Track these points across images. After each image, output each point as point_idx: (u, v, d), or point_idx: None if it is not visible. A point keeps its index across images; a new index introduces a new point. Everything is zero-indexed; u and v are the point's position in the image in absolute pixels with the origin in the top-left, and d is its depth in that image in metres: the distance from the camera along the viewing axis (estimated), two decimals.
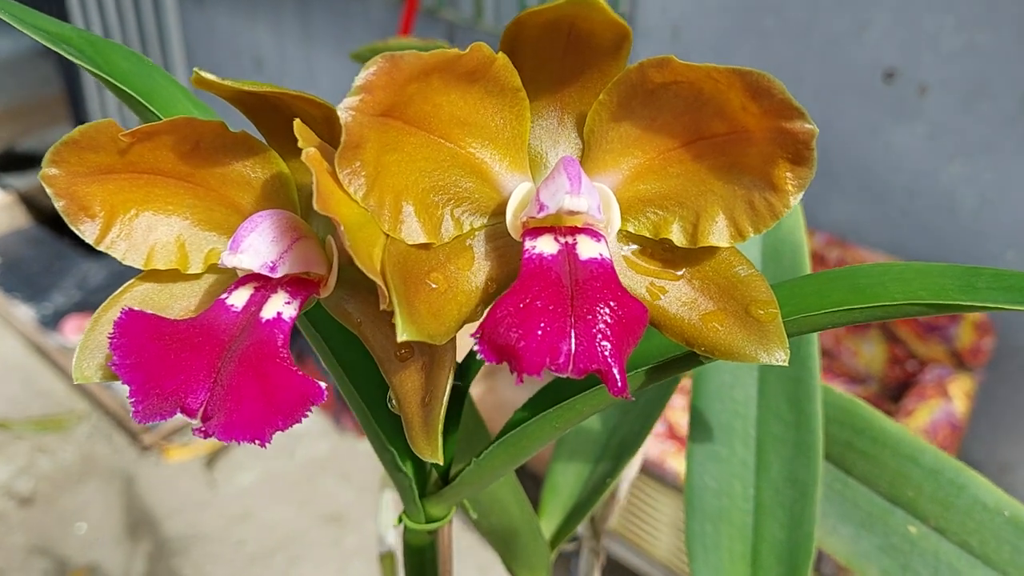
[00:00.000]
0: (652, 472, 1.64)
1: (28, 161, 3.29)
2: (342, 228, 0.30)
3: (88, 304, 2.73)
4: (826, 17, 1.65)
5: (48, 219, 3.16)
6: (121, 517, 2.07)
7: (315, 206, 0.29)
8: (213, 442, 2.23)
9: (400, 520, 0.52)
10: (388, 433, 0.46)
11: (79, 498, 2.11)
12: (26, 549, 1.97)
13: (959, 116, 1.58)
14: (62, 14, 2.90)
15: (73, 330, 2.56)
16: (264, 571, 1.94)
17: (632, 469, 0.59)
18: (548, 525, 0.61)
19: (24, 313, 2.68)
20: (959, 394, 1.55)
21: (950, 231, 1.67)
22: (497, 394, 1.97)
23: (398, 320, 0.31)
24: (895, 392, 1.78)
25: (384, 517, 0.76)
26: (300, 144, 0.31)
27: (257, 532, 2.03)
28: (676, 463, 1.60)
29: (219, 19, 2.82)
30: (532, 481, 0.51)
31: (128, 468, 2.20)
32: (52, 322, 2.63)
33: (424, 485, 0.49)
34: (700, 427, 0.55)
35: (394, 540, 0.74)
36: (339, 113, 0.30)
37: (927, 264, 0.39)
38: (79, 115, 3.10)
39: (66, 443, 2.27)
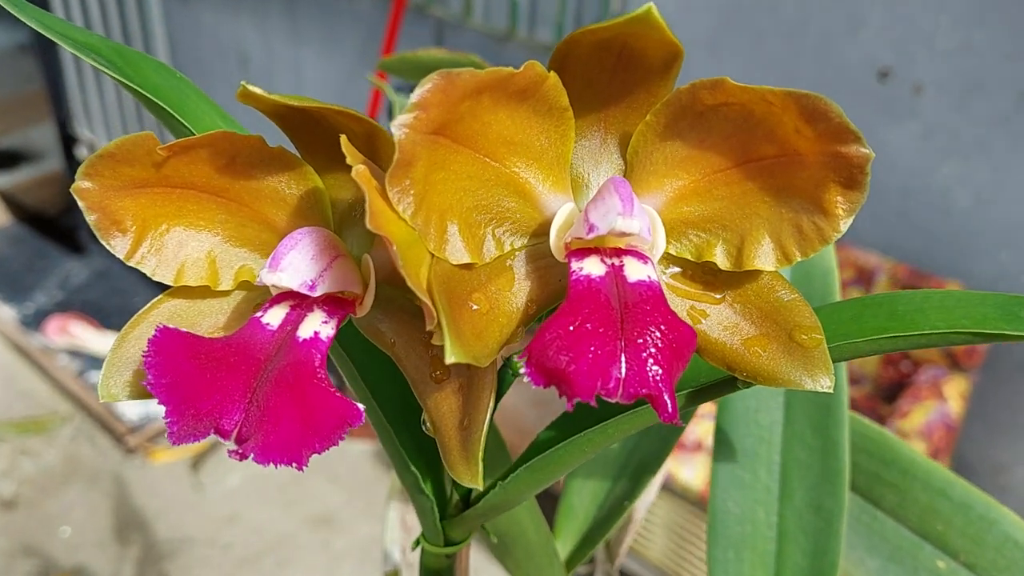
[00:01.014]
0: None
1: (9, 159, 3.25)
2: (395, 248, 0.29)
3: (70, 304, 2.69)
4: (820, 15, 1.66)
5: (29, 218, 3.12)
6: (106, 520, 2.04)
7: (368, 225, 0.29)
8: (199, 444, 2.21)
9: (418, 543, 0.51)
10: (411, 454, 0.45)
11: (63, 501, 2.08)
12: (9, 553, 1.94)
13: (953, 115, 1.58)
14: (42, 6, 2.87)
15: (55, 330, 2.52)
16: (252, 574, 1.92)
17: (651, 492, 0.59)
18: (563, 547, 0.60)
19: (5, 313, 2.64)
20: (954, 395, 1.55)
21: (945, 231, 1.67)
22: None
23: (447, 342, 0.30)
24: (889, 393, 1.78)
25: (390, 534, 0.75)
26: (349, 161, 0.30)
27: (245, 535, 2.01)
28: (670, 465, 1.59)
29: (204, 16, 2.80)
30: (546, 497, 0.50)
31: (113, 470, 2.17)
32: (34, 322, 2.60)
33: (445, 507, 0.48)
34: (724, 451, 0.54)
35: (400, 558, 0.73)
36: (393, 131, 0.29)
37: (967, 292, 0.39)
38: (60, 113, 3.07)
39: (49, 445, 2.24)
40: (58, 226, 2.97)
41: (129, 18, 2.87)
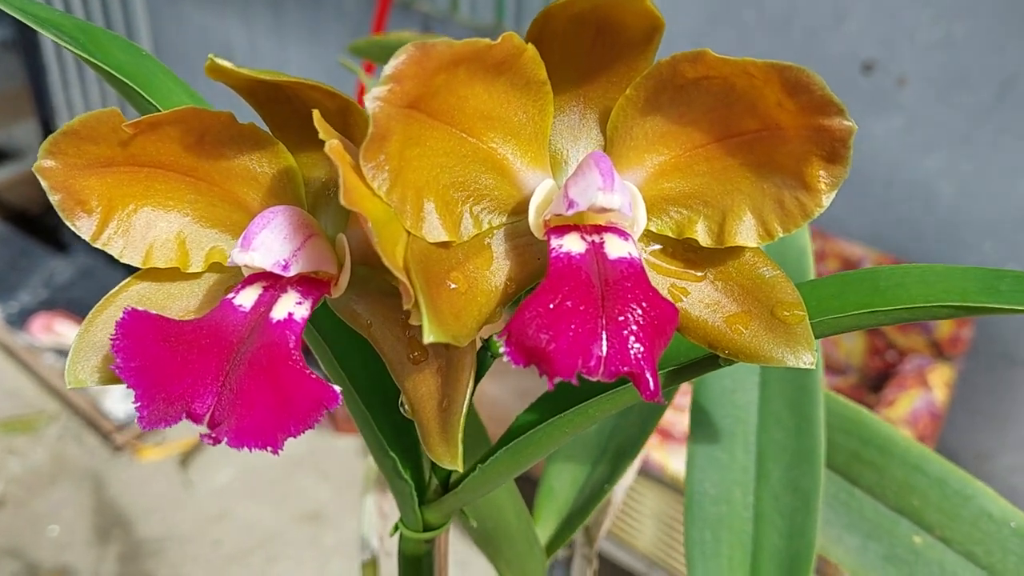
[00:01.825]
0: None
1: None
2: (370, 224, 0.28)
3: (55, 302, 2.66)
4: (805, 9, 1.66)
5: (13, 216, 3.07)
6: (94, 519, 2.02)
7: (342, 201, 0.28)
8: (187, 441, 2.19)
9: (396, 528, 0.50)
10: (389, 439, 0.45)
11: (51, 500, 2.05)
12: None
13: (937, 108, 1.59)
14: None
15: (40, 328, 2.49)
16: (242, 571, 1.90)
17: (629, 476, 0.58)
18: (543, 531, 0.59)
19: None
20: (939, 383, 1.56)
21: (928, 222, 1.68)
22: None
23: (424, 321, 0.30)
24: (875, 382, 1.79)
25: (367, 522, 0.75)
26: (322, 136, 0.29)
27: (234, 532, 1.99)
28: (658, 455, 1.59)
29: (187, 10, 2.76)
30: (525, 482, 0.50)
31: (100, 469, 2.15)
32: (19, 321, 2.56)
33: (423, 492, 0.48)
34: (700, 432, 0.54)
35: (378, 545, 0.72)
36: (367, 103, 0.28)
37: (948, 266, 0.39)
38: (44, 110, 3.02)
39: (36, 444, 2.21)
40: (42, 224, 2.93)
41: (113, 13, 2.83)
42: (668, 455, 1.56)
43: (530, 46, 0.32)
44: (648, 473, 1.63)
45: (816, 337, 0.35)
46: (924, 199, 1.67)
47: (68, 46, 0.36)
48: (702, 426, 0.54)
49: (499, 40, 0.30)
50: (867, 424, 0.53)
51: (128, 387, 0.31)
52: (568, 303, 0.31)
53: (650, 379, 0.31)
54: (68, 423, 2.28)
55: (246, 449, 0.31)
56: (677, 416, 1.63)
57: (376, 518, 0.76)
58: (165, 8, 2.82)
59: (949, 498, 0.52)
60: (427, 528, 0.49)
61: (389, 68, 0.28)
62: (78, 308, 2.62)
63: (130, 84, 0.37)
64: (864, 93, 1.63)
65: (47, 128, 3.02)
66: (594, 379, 0.31)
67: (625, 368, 0.30)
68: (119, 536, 1.98)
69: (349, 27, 2.35)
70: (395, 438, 0.45)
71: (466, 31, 2.10)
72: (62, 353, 2.44)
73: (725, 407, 0.54)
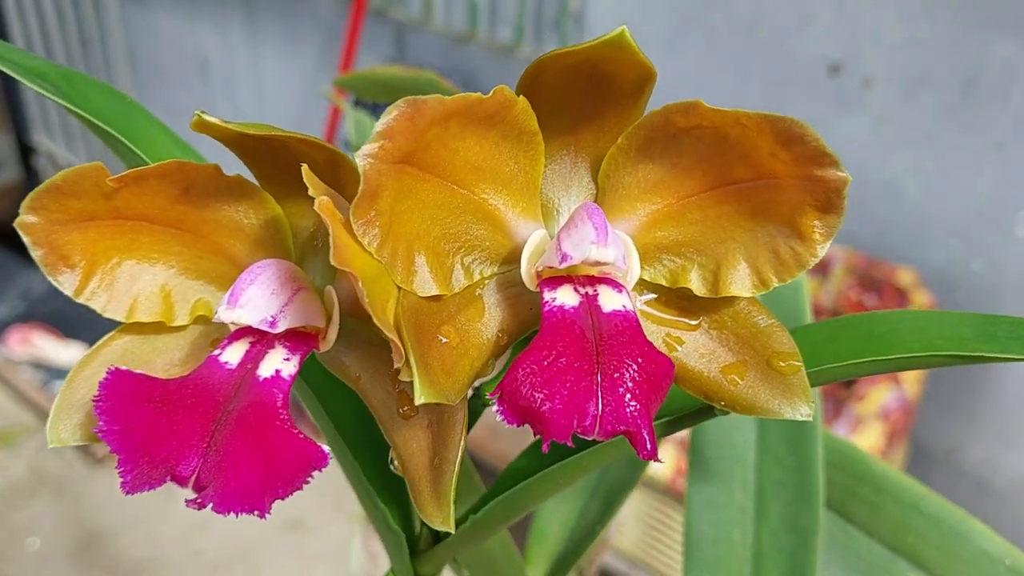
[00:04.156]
0: None
1: None
2: (360, 284, 0.27)
3: (32, 315, 2.63)
4: (771, 13, 1.68)
5: None
6: (75, 531, 1.99)
7: (332, 260, 0.27)
8: None
9: None
10: (379, 489, 0.44)
11: (31, 513, 2.02)
12: None
13: (902, 108, 1.62)
14: None
15: (17, 342, 2.46)
16: None
17: (621, 514, 0.57)
18: (535, 573, 0.59)
19: None
20: (909, 378, 1.56)
21: (896, 220, 1.70)
22: None
23: (416, 382, 0.29)
24: None
25: (356, 562, 0.74)
26: (312, 192, 0.29)
27: (216, 542, 1.97)
28: None
29: (161, 20, 2.74)
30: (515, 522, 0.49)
31: (81, 481, 2.12)
32: None
33: (414, 542, 0.47)
34: (698, 472, 0.53)
35: None
36: (358, 161, 0.28)
37: (942, 312, 0.38)
38: (18, 124, 2.99)
39: (15, 457, 2.18)
40: (17, 237, 2.88)
41: (86, 24, 2.81)
42: None
43: (521, 98, 0.31)
44: None
45: (812, 386, 0.35)
46: (892, 197, 1.69)
47: (51, 96, 0.35)
48: (699, 466, 0.54)
49: (491, 93, 0.30)
50: (861, 460, 0.53)
51: (111, 451, 0.30)
52: (562, 360, 0.30)
53: (647, 438, 0.30)
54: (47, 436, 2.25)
55: (232, 514, 0.30)
56: None
57: (364, 559, 0.75)
58: (138, 18, 2.80)
59: (946, 536, 0.52)
60: None
61: (380, 125, 0.28)
62: (55, 321, 2.59)
63: (113, 132, 0.37)
64: (831, 94, 1.65)
65: (21, 141, 2.99)
66: (589, 439, 0.30)
67: (621, 427, 0.30)
68: (101, 548, 1.95)
69: (323, 35, 2.35)
70: (386, 489, 0.44)
71: (440, 38, 2.10)
72: (39, 366, 2.42)
73: (722, 447, 0.53)
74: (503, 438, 1.64)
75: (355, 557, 0.73)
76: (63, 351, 2.45)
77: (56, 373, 2.40)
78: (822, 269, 1.72)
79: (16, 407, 2.34)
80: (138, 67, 2.85)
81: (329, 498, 2.07)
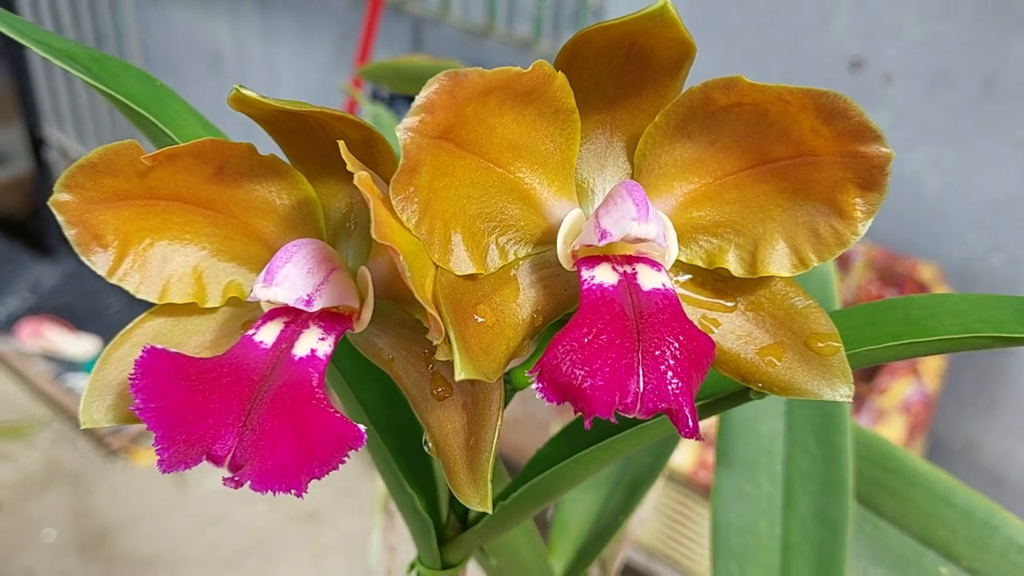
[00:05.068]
0: None
1: None
2: (401, 258, 0.27)
3: (42, 307, 2.63)
4: (790, 10, 1.68)
5: None
6: (90, 523, 1.99)
7: (373, 234, 0.27)
8: None
9: (412, 567, 0.49)
10: (407, 475, 0.44)
11: (45, 505, 2.03)
12: None
13: (922, 104, 1.62)
14: (9, 8, 2.81)
15: (28, 334, 2.46)
16: (239, 573, 1.88)
17: (645, 507, 0.57)
18: (558, 564, 0.58)
19: None
20: (929, 372, 1.56)
21: (916, 214, 1.70)
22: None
23: (456, 357, 0.29)
24: (867, 371, 1.77)
25: (375, 555, 0.73)
26: (350, 168, 0.28)
27: (230, 533, 1.97)
28: None
29: (175, 15, 2.75)
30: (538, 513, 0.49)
31: (95, 473, 2.12)
32: (6, 326, 2.54)
33: (441, 529, 0.47)
34: (725, 462, 0.53)
35: None
36: (398, 134, 0.27)
37: (981, 295, 0.38)
38: (29, 114, 2.99)
39: (29, 450, 2.18)
40: (27, 229, 2.90)
41: (101, 20, 2.82)
42: None
43: (560, 74, 0.31)
44: None
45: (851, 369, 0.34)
46: (912, 192, 1.69)
47: (82, 76, 0.35)
48: (727, 456, 0.53)
49: (530, 68, 0.30)
50: (891, 453, 0.52)
51: (149, 428, 0.30)
52: (603, 337, 0.30)
53: (688, 416, 0.30)
54: (61, 428, 2.25)
55: (270, 492, 0.30)
56: None
57: (383, 552, 0.75)
58: (152, 13, 2.81)
59: (977, 528, 0.51)
60: (445, 566, 0.47)
61: (421, 98, 0.27)
62: (66, 313, 2.59)
63: (144, 113, 0.37)
64: (851, 91, 1.65)
65: (33, 133, 2.99)
66: (631, 416, 0.30)
67: (663, 405, 0.29)
68: (115, 540, 1.96)
69: (338, 30, 2.35)
70: (413, 475, 0.44)
71: (457, 32, 2.09)
72: (52, 359, 2.43)
73: (750, 436, 0.53)
74: (520, 431, 1.63)
75: (375, 550, 0.73)
76: (75, 343, 2.45)
77: (68, 365, 2.40)
78: (843, 264, 1.72)
79: (29, 400, 2.35)
80: (152, 62, 2.86)
81: (344, 491, 2.07)
